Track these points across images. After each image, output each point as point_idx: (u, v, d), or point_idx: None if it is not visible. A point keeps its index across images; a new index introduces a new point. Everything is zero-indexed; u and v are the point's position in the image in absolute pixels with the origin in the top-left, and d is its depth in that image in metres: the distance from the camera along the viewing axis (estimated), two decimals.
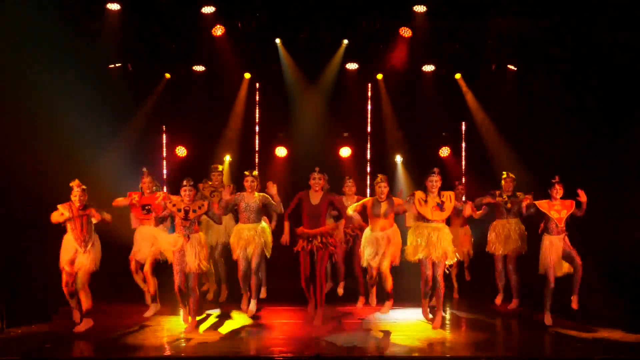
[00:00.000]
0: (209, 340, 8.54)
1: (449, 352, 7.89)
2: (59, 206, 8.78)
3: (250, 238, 9.43)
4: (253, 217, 9.52)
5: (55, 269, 8.84)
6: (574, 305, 8.98)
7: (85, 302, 8.71)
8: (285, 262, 10.54)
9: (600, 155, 9.90)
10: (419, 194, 8.76)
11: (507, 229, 10.07)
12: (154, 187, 9.80)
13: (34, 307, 9.19)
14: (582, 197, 8.85)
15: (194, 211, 8.71)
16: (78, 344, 8.26)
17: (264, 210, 9.84)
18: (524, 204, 9.16)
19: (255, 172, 9.74)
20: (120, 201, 9.72)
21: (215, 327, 9.34)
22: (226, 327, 9.26)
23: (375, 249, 9.26)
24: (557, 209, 8.95)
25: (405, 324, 9.45)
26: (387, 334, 8.86)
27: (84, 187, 8.78)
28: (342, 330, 9.08)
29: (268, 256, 9.68)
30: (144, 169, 9.82)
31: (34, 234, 9.76)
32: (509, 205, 10.04)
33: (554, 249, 8.94)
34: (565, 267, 9.02)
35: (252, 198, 9.55)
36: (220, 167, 10.99)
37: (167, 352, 7.96)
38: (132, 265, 9.67)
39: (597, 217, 9.69)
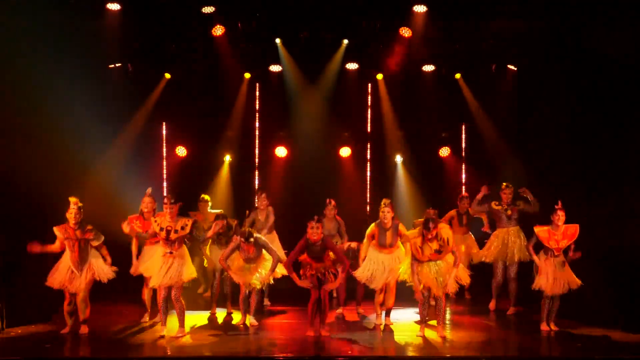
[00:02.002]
0: (208, 341, 8.54)
1: (449, 352, 7.89)
2: (54, 229, 8.56)
3: (251, 273, 9.15)
4: (253, 258, 9.16)
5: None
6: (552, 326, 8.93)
7: (83, 312, 8.58)
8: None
9: (600, 155, 9.89)
10: (415, 241, 8.43)
11: (507, 237, 10.00)
12: (154, 209, 9.33)
13: (34, 307, 9.19)
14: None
15: (176, 232, 8.45)
16: (78, 344, 8.25)
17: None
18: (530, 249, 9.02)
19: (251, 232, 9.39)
20: (124, 227, 9.36)
21: (215, 327, 9.34)
22: (226, 327, 9.27)
23: (375, 272, 9.04)
24: (557, 238, 8.72)
25: (405, 324, 9.46)
26: (387, 334, 8.86)
27: (80, 204, 8.56)
28: (342, 330, 9.08)
29: (271, 282, 9.47)
30: (149, 189, 9.41)
31: (34, 234, 9.75)
32: (509, 212, 9.98)
33: (550, 269, 8.80)
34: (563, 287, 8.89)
35: (251, 249, 9.13)
36: (206, 197, 10.88)
37: (167, 352, 7.96)
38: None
39: (597, 218, 9.69)
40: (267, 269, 9.03)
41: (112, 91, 11.47)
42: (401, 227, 9.10)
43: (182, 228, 8.47)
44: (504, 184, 10.09)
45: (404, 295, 10.00)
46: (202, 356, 7.89)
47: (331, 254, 8.58)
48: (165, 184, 13.10)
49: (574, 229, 8.72)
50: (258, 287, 9.15)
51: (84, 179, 10.71)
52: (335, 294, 10.24)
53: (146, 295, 9.34)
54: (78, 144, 10.39)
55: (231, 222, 9.99)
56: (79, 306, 8.58)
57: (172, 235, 8.43)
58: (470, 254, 10.87)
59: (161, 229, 8.46)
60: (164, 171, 13.18)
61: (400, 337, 8.62)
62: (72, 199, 8.57)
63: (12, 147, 9.43)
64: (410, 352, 7.92)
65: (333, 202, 10.44)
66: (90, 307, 8.70)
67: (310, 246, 8.50)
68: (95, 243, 8.66)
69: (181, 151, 13.13)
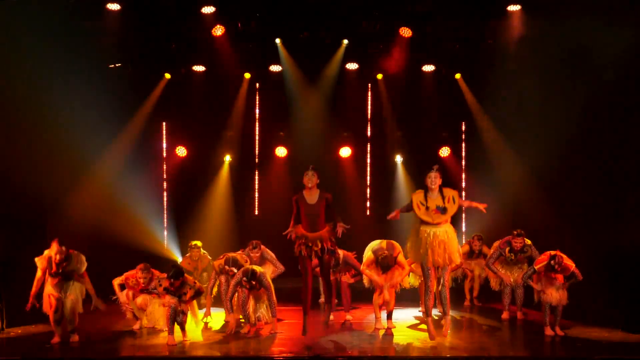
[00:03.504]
0: (209, 341, 8.54)
1: (449, 352, 7.89)
2: (35, 260, 8.32)
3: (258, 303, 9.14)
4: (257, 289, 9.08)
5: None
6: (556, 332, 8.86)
7: (71, 323, 8.40)
8: (285, 262, 10.51)
9: (600, 155, 9.88)
10: (418, 196, 8.10)
11: (512, 270, 9.87)
12: (149, 279, 9.10)
13: (34, 307, 9.17)
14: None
15: (185, 293, 8.47)
16: (78, 344, 8.24)
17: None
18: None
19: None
20: (118, 282, 9.24)
21: (215, 327, 9.35)
22: (225, 328, 9.27)
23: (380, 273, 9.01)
24: (557, 275, 8.70)
25: (405, 324, 9.46)
26: (387, 334, 8.86)
27: (63, 248, 8.23)
28: (342, 330, 9.08)
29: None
30: (141, 266, 9.10)
31: (34, 234, 9.76)
32: (513, 257, 9.75)
33: (549, 286, 8.77)
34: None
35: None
36: (198, 244, 10.77)
37: (167, 353, 7.96)
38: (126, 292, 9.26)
39: (597, 217, 9.69)
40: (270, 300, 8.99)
41: (112, 91, 11.46)
42: (399, 260, 8.95)
43: (186, 293, 8.49)
44: (515, 232, 9.65)
45: (404, 295, 10.00)
46: (202, 356, 7.88)
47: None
48: (165, 184, 13.10)
49: (569, 270, 8.67)
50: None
51: (84, 179, 10.73)
52: (335, 300, 10.13)
53: (133, 306, 9.21)
54: (78, 144, 10.40)
55: (243, 261, 9.59)
56: (66, 317, 8.35)
57: (185, 298, 8.49)
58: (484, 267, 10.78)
59: (167, 291, 8.46)
60: (164, 171, 13.18)
61: (400, 337, 8.62)
62: (53, 245, 8.26)
63: (12, 147, 9.43)
64: (410, 352, 7.91)
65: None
66: (77, 326, 8.65)
67: (305, 201, 8.35)
68: (80, 272, 8.40)
69: (181, 151, 13.13)
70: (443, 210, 7.99)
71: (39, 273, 8.33)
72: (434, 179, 8.11)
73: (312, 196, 8.50)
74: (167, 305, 8.42)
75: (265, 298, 8.99)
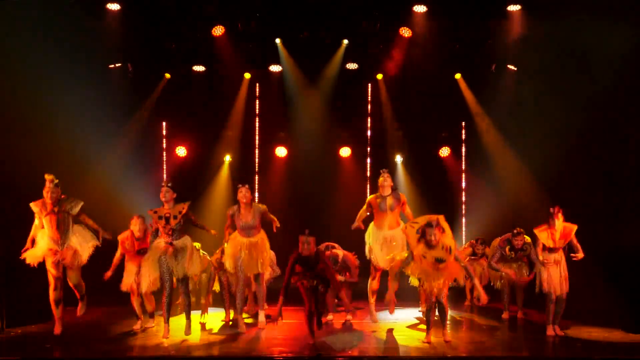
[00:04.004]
0: (209, 341, 8.54)
1: (449, 352, 7.88)
2: (30, 205, 8.41)
3: (249, 252, 8.99)
4: (252, 226, 9.03)
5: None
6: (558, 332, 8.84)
7: (80, 290, 8.54)
8: (284, 261, 10.51)
9: (600, 154, 9.89)
10: (419, 249, 8.08)
11: (511, 267, 9.81)
12: (145, 229, 9.10)
13: (34, 307, 9.18)
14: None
15: (175, 217, 8.37)
16: (78, 344, 8.24)
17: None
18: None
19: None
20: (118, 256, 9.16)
21: (215, 327, 9.34)
22: (226, 328, 9.27)
23: (383, 249, 9.07)
24: (556, 238, 8.61)
25: (405, 324, 9.46)
26: (387, 334, 8.86)
27: (56, 181, 8.37)
28: (342, 330, 9.08)
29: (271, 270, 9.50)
30: (137, 216, 9.13)
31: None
32: (512, 254, 9.73)
33: (552, 278, 8.76)
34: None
35: (249, 214, 9.00)
36: (197, 245, 10.36)
37: (168, 352, 7.96)
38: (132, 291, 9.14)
39: (597, 217, 9.69)
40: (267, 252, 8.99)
41: (112, 91, 11.46)
42: (402, 195, 9.18)
43: (180, 212, 8.41)
44: (515, 230, 9.65)
45: (405, 295, 10.02)
46: (202, 356, 7.88)
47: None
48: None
49: (571, 228, 8.67)
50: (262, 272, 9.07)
51: (84, 179, 10.71)
52: (336, 301, 10.13)
53: (135, 303, 9.15)
54: (78, 144, 10.39)
55: None
56: (74, 289, 8.47)
57: (172, 221, 8.37)
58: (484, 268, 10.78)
59: (160, 217, 8.39)
60: (164, 171, 13.19)
61: (400, 337, 8.62)
62: (48, 177, 8.40)
63: (12, 147, 9.42)
64: (410, 352, 7.91)
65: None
66: (86, 309, 8.69)
67: (302, 259, 8.16)
68: (74, 211, 8.49)
69: (181, 151, 13.14)
70: (441, 261, 8.07)
71: (36, 222, 8.45)
72: (435, 236, 8.07)
73: (309, 258, 8.21)
74: (156, 250, 8.35)
75: (262, 247, 9.00)
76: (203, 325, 9.43)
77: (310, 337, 8.19)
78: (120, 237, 9.08)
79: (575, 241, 8.70)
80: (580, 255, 8.71)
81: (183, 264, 8.42)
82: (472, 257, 10.79)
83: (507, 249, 9.70)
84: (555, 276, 8.66)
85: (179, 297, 9.10)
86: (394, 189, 9.36)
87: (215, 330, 9.19)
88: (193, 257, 8.52)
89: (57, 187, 8.39)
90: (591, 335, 8.69)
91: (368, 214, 9.38)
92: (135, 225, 9.05)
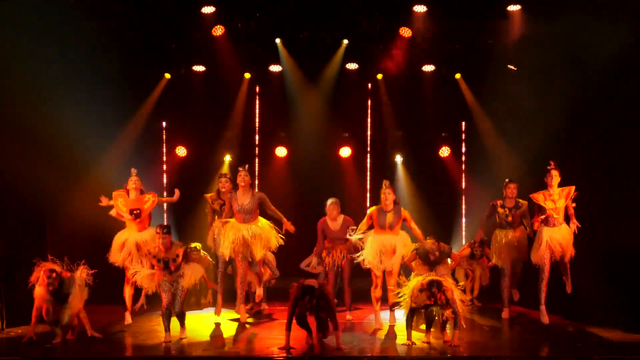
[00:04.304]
0: (209, 341, 8.54)
1: (450, 352, 7.88)
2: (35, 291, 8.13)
3: (250, 238, 9.13)
4: (249, 218, 9.23)
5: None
6: (568, 289, 8.80)
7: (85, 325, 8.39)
8: (284, 261, 10.54)
9: (600, 154, 9.89)
10: (415, 284, 8.08)
11: (509, 239, 9.77)
12: (141, 188, 9.25)
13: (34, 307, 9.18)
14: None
15: (174, 260, 8.33)
16: (78, 344, 8.24)
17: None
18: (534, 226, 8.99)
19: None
20: (106, 201, 9.22)
21: (215, 327, 9.35)
22: (226, 328, 9.27)
23: (380, 255, 9.00)
24: (554, 198, 8.71)
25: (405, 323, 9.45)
26: (387, 334, 8.86)
27: (54, 274, 8.04)
28: (342, 330, 9.07)
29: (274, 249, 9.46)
30: (133, 169, 9.35)
31: (34, 234, 9.76)
32: (509, 218, 9.77)
33: (553, 242, 8.80)
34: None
35: (246, 197, 9.25)
36: (198, 246, 10.70)
37: (168, 352, 7.96)
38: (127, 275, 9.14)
39: (597, 216, 9.69)
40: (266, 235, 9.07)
41: (112, 91, 11.46)
42: (404, 211, 9.10)
43: (177, 256, 8.35)
44: (507, 179, 9.89)
45: None
46: (202, 356, 7.89)
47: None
48: (165, 184, 13.09)
49: (569, 189, 8.64)
50: (258, 257, 9.14)
51: (84, 179, 10.72)
52: (336, 301, 10.12)
53: (127, 293, 9.13)
54: (78, 144, 10.39)
55: None
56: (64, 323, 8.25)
57: (172, 266, 8.34)
58: (485, 268, 10.80)
59: (159, 260, 8.33)
60: (164, 171, 13.18)
61: (400, 337, 8.61)
62: (42, 271, 8.10)
63: (12, 147, 9.43)
64: (410, 352, 7.91)
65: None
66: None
67: (304, 294, 7.90)
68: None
69: (181, 151, 13.12)
70: (436, 299, 8.04)
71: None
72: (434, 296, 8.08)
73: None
74: (157, 279, 8.31)
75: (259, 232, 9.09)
76: (217, 325, 9.43)
77: (310, 338, 8.19)
78: (113, 195, 9.08)
79: (570, 208, 8.64)
80: (573, 225, 8.65)
81: (182, 284, 8.44)
82: (471, 259, 10.81)
83: (498, 204, 9.73)
84: (549, 252, 8.63)
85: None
86: (396, 203, 9.17)
87: (216, 330, 9.19)
88: (190, 279, 8.52)
89: (56, 278, 8.06)
90: (591, 335, 8.70)
91: (367, 227, 9.19)
92: (131, 183, 9.02)
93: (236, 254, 9.21)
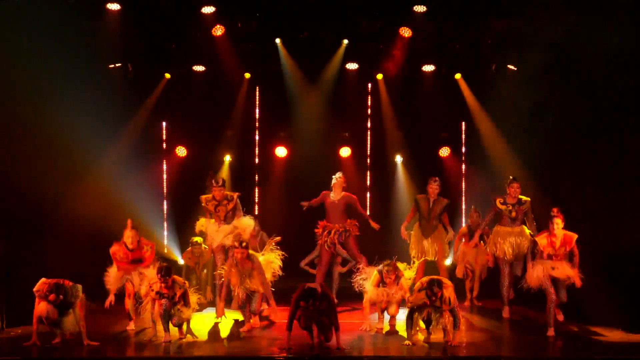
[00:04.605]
0: (209, 341, 8.54)
1: (449, 352, 7.88)
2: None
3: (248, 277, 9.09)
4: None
5: (54, 269, 8.79)
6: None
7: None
8: (284, 260, 10.52)
9: (600, 154, 9.89)
10: (419, 296, 8.11)
11: (511, 236, 9.72)
12: (138, 240, 9.05)
13: (34, 307, 9.17)
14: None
15: (172, 298, 8.34)
16: (78, 344, 8.24)
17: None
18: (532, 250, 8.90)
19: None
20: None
21: (215, 327, 9.34)
22: (226, 328, 9.27)
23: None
24: (555, 245, 8.57)
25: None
26: (387, 334, 8.86)
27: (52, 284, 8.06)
28: (342, 330, 9.06)
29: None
30: (129, 221, 9.10)
31: (34, 234, 9.75)
32: (513, 214, 9.69)
33: (546, 272, 8.70)
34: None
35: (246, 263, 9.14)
36: (199, 240, 10.83)
37: (168, 353, 7.96)
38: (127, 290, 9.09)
39: (597, 217, 9.69)
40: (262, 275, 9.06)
41: (112, 91, 11.46)
42: (403, 281, 9.01)
43: (176, 294, 8.37)
44: (510, 177, 9.78)
45: None
46: (202, 356, 7.89)
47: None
48: (165, 184, 13.10)
49: (571, 237, 8.63)
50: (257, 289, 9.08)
51: (84, 179, 10.72)
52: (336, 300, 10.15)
53: (129, 305, 9.08)
54: (78, 144, 10.38)
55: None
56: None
57: (176, 299, 8.38)
58: (484, 265, 10.76)
59: (161, 296, 8.34)
60: (164, 171, 13.18)
61: (400, 337, 8.61)
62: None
63: (12, 147, 9.43)
64: (411, 353, 7.91)
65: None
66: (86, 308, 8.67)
67: (306, 296, 7.94)
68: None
69: (181, 151, 13.12)
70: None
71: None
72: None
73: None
74: (161, 309, 8.36)
75: (258, 281, 8.96)
76: (204, 324, 9.44)
77: (310, 338, 8.19)
78: (111, 250, 8.96)
79: (575, 251, 8.64)
80: (574, 275, 8.62)
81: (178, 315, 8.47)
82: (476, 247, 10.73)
83: (498, 202, 9.66)
84: (548, 279, 8.62)
85: None
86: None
87: (216, 330, 9.19)
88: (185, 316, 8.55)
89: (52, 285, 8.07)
90: (591, 335, 8.69)
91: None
92: (128, 238, 8.92)
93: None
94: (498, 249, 9.78)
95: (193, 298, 8.69)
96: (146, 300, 8.60)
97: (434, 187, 10.51)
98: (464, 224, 13.23)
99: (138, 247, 8.99)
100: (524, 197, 9.72)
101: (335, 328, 7.91)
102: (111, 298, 8.97)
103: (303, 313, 7.85)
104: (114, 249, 8.98)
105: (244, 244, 8.99)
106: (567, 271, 8.60)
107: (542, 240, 8.64)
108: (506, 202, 9.71)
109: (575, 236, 8.60)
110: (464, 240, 10.96)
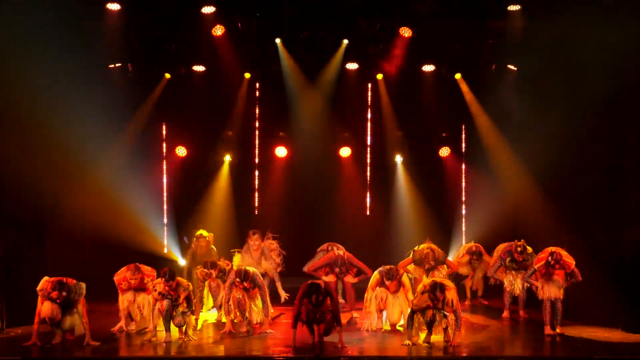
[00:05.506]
0: (209, 341, 8.54)
1: (450, 352, 7.88)
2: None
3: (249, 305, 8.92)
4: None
5: (54, 269, 8.80)
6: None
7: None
8: (284, 261, 10.53)
9: (600, 154, 9.89)
10: (423, 298, 8.11)
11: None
12: (141, 277, 8.90)
13: (34, 307, 9.17)
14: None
15: (176, 300, 8.32)
16: (78, 344, 8.24)
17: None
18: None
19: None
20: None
21: (215, 327, 9.34)
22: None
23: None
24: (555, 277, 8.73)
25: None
26: (387, 334, 8.86)
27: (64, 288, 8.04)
28: (343, 330, 9.06)
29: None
30: (130, 267, 8.90)
31: (34, 234, 9.76)
32: (515, 266, 9.72)
33: (549, 282, 8.76)
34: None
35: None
36: (204, 233, 10.79)
37: (167, 353, 7.96)
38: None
39: (597, 217, 9.68)
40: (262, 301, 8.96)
41: (112, 91, 11.46)
42: (404, 279, 9.07)
43: (179, 297, 8.35)
44: (518, 243, 9.62)
45: None
46: (203, 356, 7.89)
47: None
48: (165, 184, 13.10)
49: (569, 264, 8.65)
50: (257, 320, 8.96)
51: (84, 179, 10.72)
52: (342, 300, 10.13)
53: (122, 304, 9.01)
54: (78, 144, 10.39)
55: (224, 265, 9.83)
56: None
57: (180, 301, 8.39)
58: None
59: (163, 296, 8.33)
60: (164, 171, 13.18)
61: (402, 337, 8.60)
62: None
63: (12, 147, 9.42)
64: (411, 353, 7.91)
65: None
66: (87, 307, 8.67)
67: (310, 292, 7.92)
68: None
69: (181, 151, 13.12)
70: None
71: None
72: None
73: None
74: (162, 309, 8.37)
75: (258, 298, 8.95)
76: (204, 324, 9.43)
77: (310, 337, 8.19)
78: (116, 279, 8.93)
79: (577, 272, 8.68)
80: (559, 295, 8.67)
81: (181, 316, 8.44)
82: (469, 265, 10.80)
83: (507, 260, 9.72)
84: (551, 286, 8.67)
85: None
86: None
87: (215, 330, 9.19)
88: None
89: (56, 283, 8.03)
90: (591, 335, 8.70)
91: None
92: (131, 279, 8.86)
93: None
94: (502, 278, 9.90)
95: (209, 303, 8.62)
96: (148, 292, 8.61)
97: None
98: (463, 223, 13.26)
99: (140, 282, 8.91)
100: (529, 250, 9.63)
101: (338, 325, 7.94)
102: (121, 324, 8.98)
103: (306, 308, 7.87)
104: (119, 278, 8.93)
105: (243, 282, 8.72)
106: (552, 292, 8.70)
107: (541, 268, 8.71)
108: (513, 261, 9.70)
109: (573, 263, 8.63)
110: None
